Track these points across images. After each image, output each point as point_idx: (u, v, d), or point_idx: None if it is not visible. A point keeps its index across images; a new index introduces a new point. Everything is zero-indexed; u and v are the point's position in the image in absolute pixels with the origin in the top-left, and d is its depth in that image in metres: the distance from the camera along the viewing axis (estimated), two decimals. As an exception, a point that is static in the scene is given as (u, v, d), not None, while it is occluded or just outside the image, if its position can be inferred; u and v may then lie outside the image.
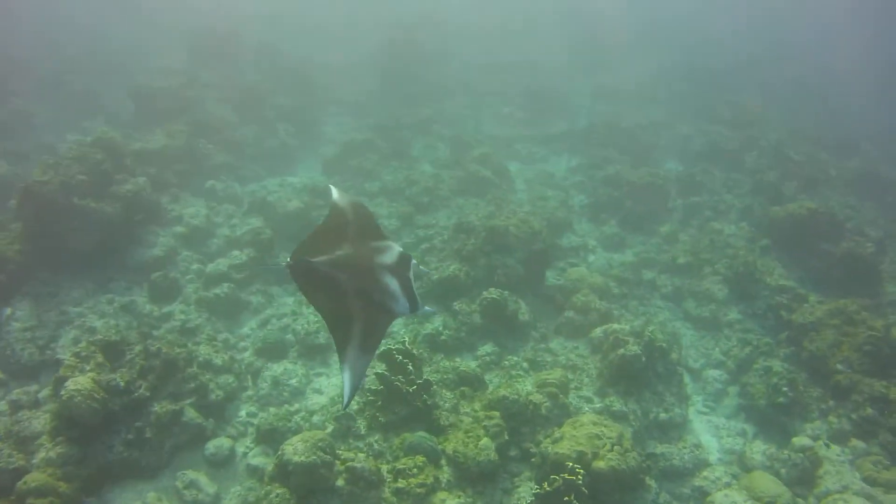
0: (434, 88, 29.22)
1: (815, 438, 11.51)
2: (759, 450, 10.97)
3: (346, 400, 5.68)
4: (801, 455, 10.77)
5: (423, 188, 18.44)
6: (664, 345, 11.50)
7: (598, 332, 12.51)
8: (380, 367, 10.57)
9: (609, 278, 15.00)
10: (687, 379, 12.79)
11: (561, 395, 10.72)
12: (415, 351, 11.09)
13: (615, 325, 12.39)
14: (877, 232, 17.73)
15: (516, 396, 10.21)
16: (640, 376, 11.35)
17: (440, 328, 12.70)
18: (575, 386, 11.62)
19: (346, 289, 6.20)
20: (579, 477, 8.33)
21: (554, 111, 27.82)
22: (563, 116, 27.62)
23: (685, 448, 10.84)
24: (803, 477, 10.65)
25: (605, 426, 9.52)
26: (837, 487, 10.48)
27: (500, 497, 9.61)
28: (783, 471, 10.59)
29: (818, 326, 12.98)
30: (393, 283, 6.30)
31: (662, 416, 11.22)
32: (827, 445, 11.22)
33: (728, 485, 10.30)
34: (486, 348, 12.49)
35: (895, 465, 11.02)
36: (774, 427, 11.86)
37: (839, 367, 12.21)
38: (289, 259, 6.25)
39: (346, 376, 5.73)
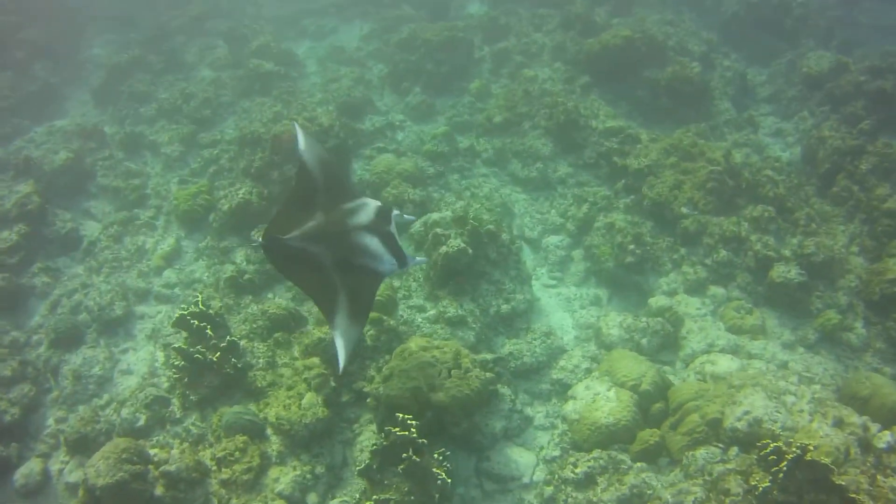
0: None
1: (672, 294, 10.91)
2: (614, 323, 10.23)
3: (341, 364, 5.86)
4: (659, 320, 10.18)
5: (201, 100, 16.87)
6: (492, 227, 10.47)
7: (416, 225, 11.31)
8: (181, 338, 9.59)
9: (421, 157, 13.76)
10: (527, 252, 12.14)
11: (386, 318, 9.64)
12: (218, 302, 10.48)
13: (434, 216, 11.14)
14: (700, 46, 17.00)
15: (334, 335, 9.06)
16: (472, 270, 10.33)
17: (244, 265, 11.46)
18: (403, 295, 10.54)
19: (323, 261, 6.23)
20: (412, 430, 7.32)
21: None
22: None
23: (535, 339, 10.06)
24: (666, 342, 10.15)
25: (437, 349, 8.55)
26: (703, 347, 10.05)
27: (341, 451, 8.76)
28: (644, 341, 9.98)
29: (655, 169, 12.27)
30: (373, 243, 6.34)
31: (504, 307, 10.31)
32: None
33: (588, 371, 9.64)
34: (298, 277, 11.22)
35: (757, 306, 10.67)
36: (629, 287, 11.32)
37: (684, 210, 11.56)
38: (260, 239, 6.29)
39: (339, 343, 5.85)
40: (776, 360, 9.79)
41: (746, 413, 8.18)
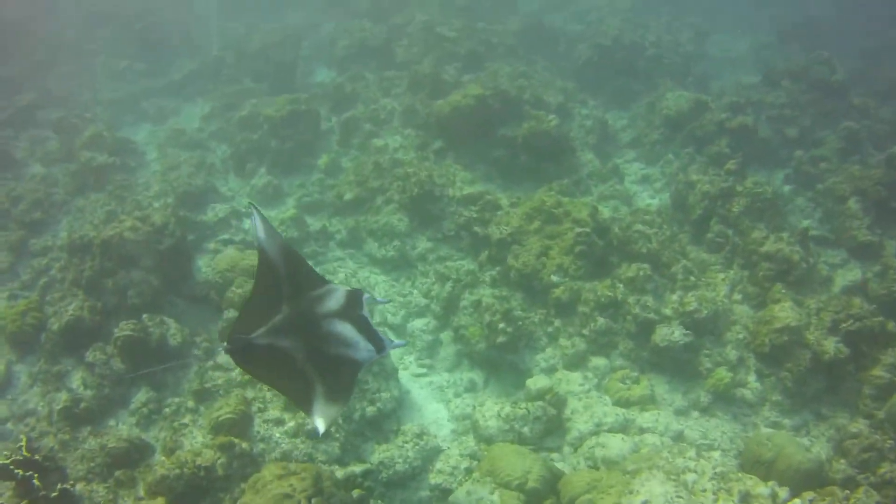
0: (29, 63, 25.27)
1: (552, 371, 10.38)
2: (492, 413, 9.59)
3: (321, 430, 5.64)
4: (540, 404, 9.58)
5: (31, 202, 15.53)
6: (349, 319, 9.74)
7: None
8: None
9: (268, 248, 12.91)
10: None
11: (238, 441, 8.75)
12: (51, 440, 9.73)
13: (280, 316, 10.43)
14: (557, 97, 16.76)
15: (178, 470, 8.18)
16: (328, 372, 9.58)
17: (80, 391, 10.45)
18: (259, 407, 9.70)
19: (294, 355, 5.94)
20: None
21: (178, 50, 24.89)
22: (190, 53, 24.75)
23: (407, 442, 9.36)
24: (550, 427, 9.57)
25: (294, 476, 7.72)
26: (590, 427, 9.53)
27: None
28: (525, 430, 9.40)
29: (519, 236, 11.74)
30: (346, 329, 6.05)
31: (370, 409, 9.61)
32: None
33: (469, 471, 8.95)
34: (141, 397, 10.37)
35: (643, 374, 10.29)
36: (505, 368, 10.75)
37: (554, 279, 11.03)
38: (226, 344, 6.01)
39: (319, 422, 5.62)
40: (670, 430, 9.40)
41: (645, 503, 7.60)
